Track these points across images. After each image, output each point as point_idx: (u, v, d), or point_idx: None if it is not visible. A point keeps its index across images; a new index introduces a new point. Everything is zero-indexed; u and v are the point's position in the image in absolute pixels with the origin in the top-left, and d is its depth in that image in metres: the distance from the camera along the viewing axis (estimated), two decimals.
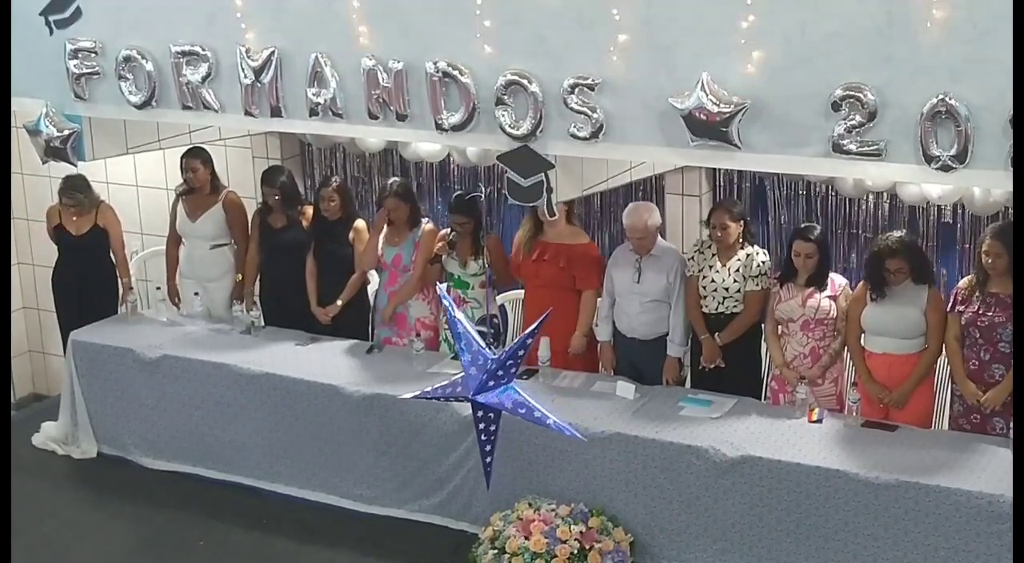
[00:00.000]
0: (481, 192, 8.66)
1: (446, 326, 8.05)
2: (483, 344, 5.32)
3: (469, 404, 6.17)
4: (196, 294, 8.70)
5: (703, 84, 6.17)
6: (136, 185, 9.84)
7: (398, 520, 7.49)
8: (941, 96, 5.74)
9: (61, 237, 8.86)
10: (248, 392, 7.81)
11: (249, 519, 7.60)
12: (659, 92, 6.34)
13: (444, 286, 6.61)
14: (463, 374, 5.36)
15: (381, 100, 7.10)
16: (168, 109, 7.84)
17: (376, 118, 7.18)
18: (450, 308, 5.43)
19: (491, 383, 5.22)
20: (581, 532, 6.65)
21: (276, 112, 7.49)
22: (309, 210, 8.48)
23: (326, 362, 7.85)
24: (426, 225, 8.13)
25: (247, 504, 7.77)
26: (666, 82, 6.31)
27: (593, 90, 6.51)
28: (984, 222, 7.57)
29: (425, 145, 8.80)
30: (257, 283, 8.71)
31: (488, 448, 5.35)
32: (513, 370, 5.23)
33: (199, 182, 8.62)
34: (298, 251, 8.38)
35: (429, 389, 5.74)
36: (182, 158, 8.65)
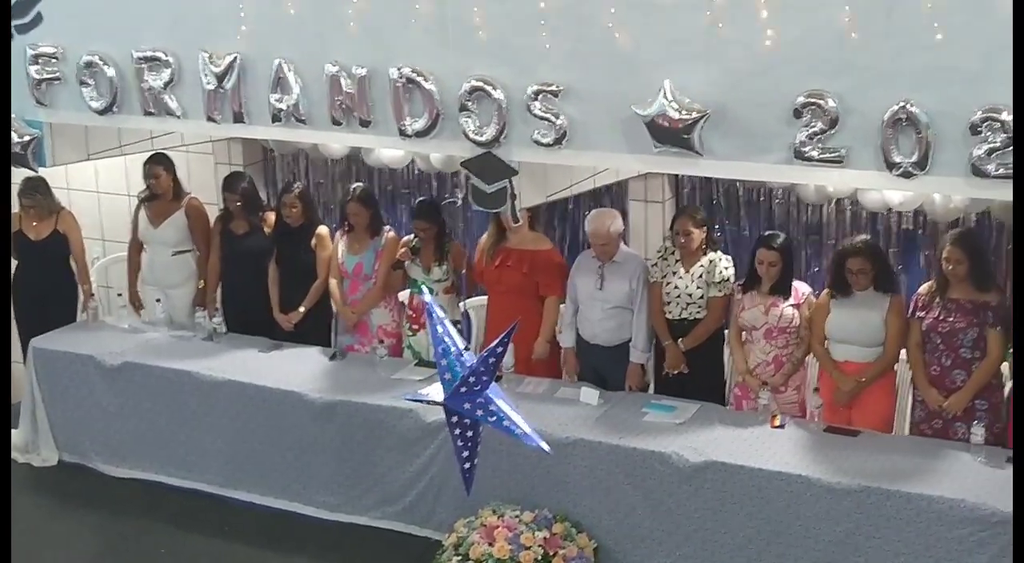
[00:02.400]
0: (456, 199, 8.71)
1: (409, 333, 8.06)
2: (462, 349, 5.32)
3: (432, 410, 6.16)
4: (158, 300, 8.65)
5: (665, 91, 6.20)
6: (97, 191, 9.79)
7: (361, 527, 7.47)
8: (902, 103, 5.78)
9: (20, 243, 8.79)
10: (210, 399, 7.78)
11: (211, 526, 7.56)
12: (622, 99, 6.35)
13: (425, 291, 6.61)
14: (439, 379, 5.37)
15: (344, 106, 7.10)
16: (130, 115, 7.81)
17: (339, 124, 7.18)
18: (433, 310, 5.43)
19: (463, 390, 5.22)
20: (545, 538, 6.65)
21: (239, 118, 7.47)
22: (271, 216, 8.45)
23: (288, 369, 7.82)
24: (388, 233, 8.11)
25: (209, 511, 7.73)
26: (629, 89, 6.33)
27: (557, 96, 6.53)
28: (944, 228, 7.63)
29: (388, 151, 8.81)
30: (219, 289, 8.67)
31: (466, 453, 5.34)
32: (485, 378, 5.22)
33: (161, 188, 8.57)
34: (260, 257, 8.35)
35: (411, 394, 5.76)
36: (144, 164, 8.60)
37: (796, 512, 6.38)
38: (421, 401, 5.67)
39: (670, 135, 6.25)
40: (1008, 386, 6.77)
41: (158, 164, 8.57)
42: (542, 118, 6.58)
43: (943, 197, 7.41)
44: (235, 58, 7.31)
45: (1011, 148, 5.63)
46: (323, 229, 8.31)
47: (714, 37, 6.13)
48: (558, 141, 6.59)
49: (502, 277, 7.73)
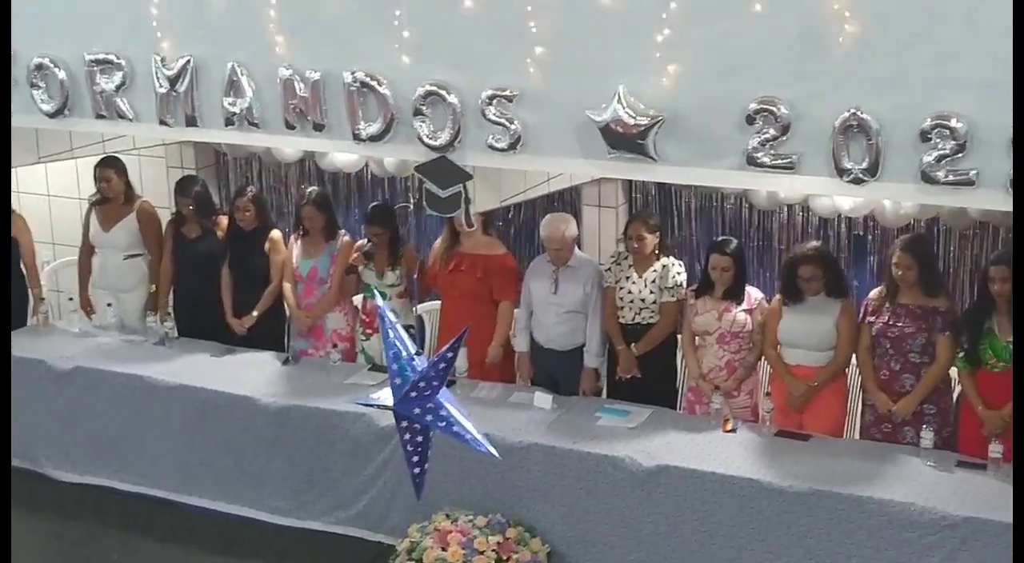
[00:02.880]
0: (410, 204, 8.69)
1: (363, 337, 8.04)
2: (413, 354, 5.32)
3: (385, 415, 6.15)
4: (109, 305, 8.60)
5: (620, 96, 6.22)
6: (48, 195, 9.72)
7: (315, 532, 7.44)
8: (853, 110, 5.83)
9: None
10: (163, 404, 7.73)
11: (164, 532, 7.52)
12: (577, 104, 6.37)
13: (377, 296, 6.60)
14: (389, 384, 5.37)
15: (298, 110, 7.08)
16: (81, 118, 7.76)
17: (293, 128, 7.16)
18: (385, 315, 5.43)
19: (413, 394, 5.22)
20: (498, 543, 6.65)
21: (191, 121, 7.44)
22: (224, 220, 8.42)
23: (241, 373, 7.79)
24: (343, 237, 8.10)
25: (162, 517, 7.68)
26: (584, 94, 6.35)
27: (511, 101, 6.54)
28: (894, 234, 7.70)
29: (341, 155, 8.80)
30: (171, 294, 8.62)
31: (415, 459, 5.34)
32: (436, 383, 5.22)
33: (113, 192, 8.52)
34: (212, 261, 8.31)
35: (362, 398, 5.76)
36: (95, 167, 8.55)
37: (748, 516, 6.42)
38: (371, 405, 5.68)
39: (624, 140, 6.27)
40: (957, 390, 6.85)
41: (109, 167, 8.51)
42: (496, 123, 6.59)
43: (893, 203, 7.48)
44: (188, 61, 7.29)
45: (960, 155, 5.70)
46: (276, 233, 8.28)
47: (668, 43, 6.15)
48: (512, 146, 6.60)
49: (456, 281, 7.73)
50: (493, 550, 6.62)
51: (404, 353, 5.35)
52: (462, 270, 7.71)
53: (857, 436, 7.14)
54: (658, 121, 6.20)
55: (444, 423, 5.29)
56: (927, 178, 5.79)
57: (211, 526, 7.58)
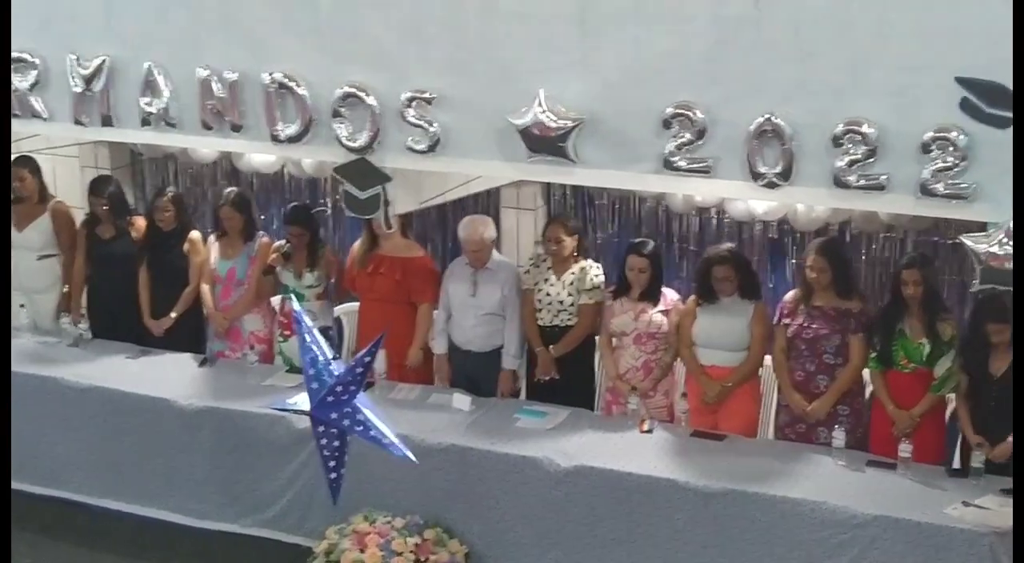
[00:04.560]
0: (326, 207, 8.65)
1: (280, 339, 8.01)
2: (330, 358, 5.31)
3: (303, 417, 6.15)
4: (22, 306, 8.48)
5: (540, 100, 6.26)
6: None
7: (231, 535, 7.39)
8: (767, 115, 5.92)
9: None
10: (76, 406, 7.64)
11: (78, 536, 7.44)
12: (496, 107, 6.40)
13: (293, 300, 6.58)
14: (306, 388, 5.34)
15: (215, 110, 7.05)
16: None
17: (210, 128, 7.12)
18: (301, 319, 5.42)
19: (330, 399, 5.21)
20: (416, 544, 6.66)
21: (107, 121, 7.38)
22: (139, 221, 8.34)
23: (157, 375, 7.72)
24: (262, 238, 8.06)
25: (76, 521, 7.60)
26: (503, 97, 6.38)
27: (430, 104, 6.55)
28: (807, 238, 7.81)
29: (259, 156, 8.75)
30: (85, 295, 8.53)
31: (332, 464, 5.33)
32: (353, 388, 5.22)
33: (26, 191, 8.40)
34: (127, 262, 8.23)
35: (279, 402, 5.73)
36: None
37: (664, 515, 6.47)
38: (288, 410, 5.65)
39: (544, 143, 6.31)
40: (868, 390, 6.96)
41: (23, 167, 8.40)
42: (416, 125, 6.61)
43: (806, 207, 7.58)
44: (104, 61, 7.22)
45: (871, 160, 5.81)
46: (196, 233, 8.22)
47: (587, 47, 6.20)
48: (432, 148, 6.62)
49: (375, 284, 7.73)
50: (411, 551, 6.63)
51: (321, 358, 5.34)
52: (381, 272, 7.71)
53: (771, 436, 7.23)
54: (578, 124, 6.24)
55: (362, 427, 5.29)
56: (839, 182, 5.89)
57: (126, 529, 7.51)
